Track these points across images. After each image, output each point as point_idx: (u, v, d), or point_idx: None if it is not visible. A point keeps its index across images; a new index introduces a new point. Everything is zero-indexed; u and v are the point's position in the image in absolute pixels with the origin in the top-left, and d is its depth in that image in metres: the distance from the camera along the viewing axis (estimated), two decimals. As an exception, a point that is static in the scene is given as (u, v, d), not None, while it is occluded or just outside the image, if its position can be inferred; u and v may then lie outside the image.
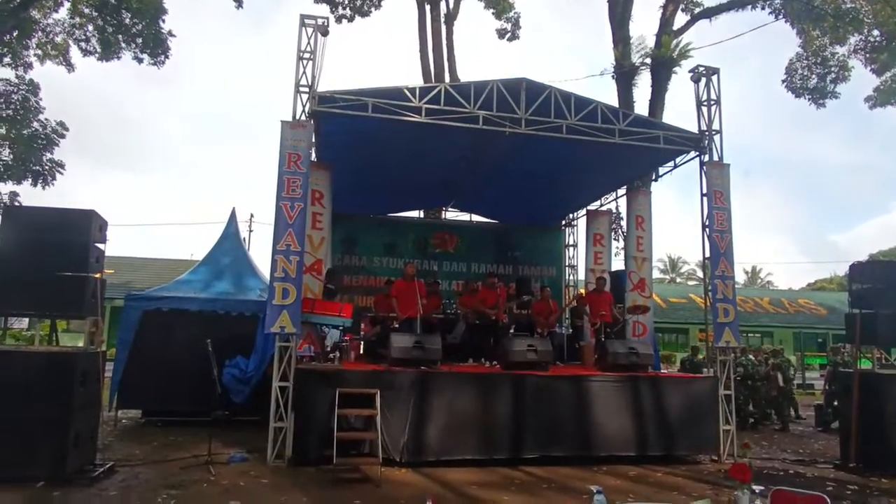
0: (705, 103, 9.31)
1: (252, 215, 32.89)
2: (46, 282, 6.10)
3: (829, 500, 3.08)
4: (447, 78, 16.73)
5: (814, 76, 18.30)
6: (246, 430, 8.65)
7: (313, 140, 8.44)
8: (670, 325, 28.13)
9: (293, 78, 7.98)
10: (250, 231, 32.23)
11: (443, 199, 14.38)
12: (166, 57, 17.39)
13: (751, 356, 12.79)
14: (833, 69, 18.05)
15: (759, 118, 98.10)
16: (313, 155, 8.95)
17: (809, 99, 18.55)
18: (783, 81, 18.81)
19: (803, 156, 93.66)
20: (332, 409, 6.90)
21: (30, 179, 15.57)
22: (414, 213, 14.88)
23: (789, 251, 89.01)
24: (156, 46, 17.02)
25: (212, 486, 6.10)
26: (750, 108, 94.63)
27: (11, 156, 15.42)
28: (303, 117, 7.98)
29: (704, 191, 9.11)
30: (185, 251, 77.86)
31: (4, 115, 15.67)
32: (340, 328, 8.98)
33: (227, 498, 5.66)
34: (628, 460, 7.82)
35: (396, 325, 9.02)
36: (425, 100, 8.26)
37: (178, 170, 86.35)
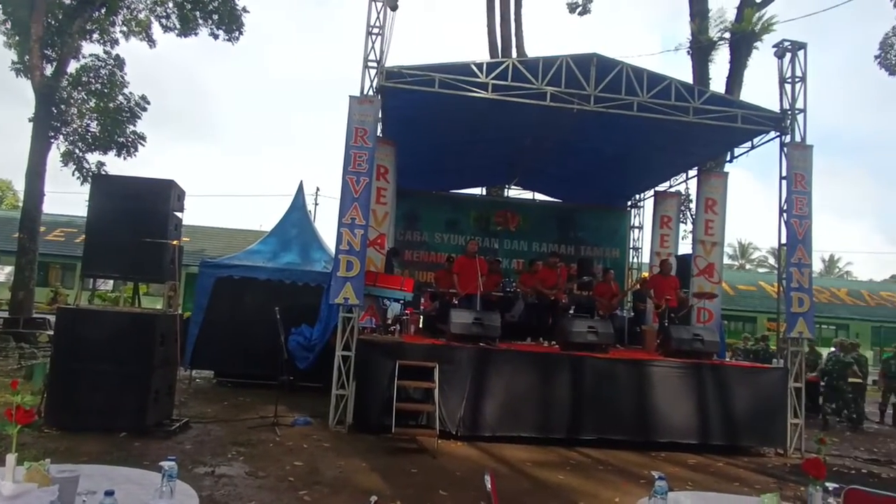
0: (789, 80, 8.79)
1: (318, 189, 33.77)
2: (130, 247, 6.49)
3: (906, 501, 2.93)
4: (514, 53, 16.44)
5: (912, 52, 16.92)
6: (309, 395, 8.97)
7: (380, 115, 8.52)
8: (738, 312, 27.09)
9: (362, 53, 8.06)
10: (316, 204, 33.00)
11: (506, 176, 14.26)
12: (240, 33, 17.83)
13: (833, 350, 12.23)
14: (934, 44, 16.64)
15: (846, 97, 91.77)
16: (379, 130, 9.06)
17: (905, 76, 17.18)
18: (876, 58, 17.49)
19: (892, 137, 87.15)
20: (391, 380, 7.08)
21: (115, 150, 16.44)
22: (476, 190, 14.85)
23: (873, 240, 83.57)
24: (231, 22, 17.47)
25: (277, 445, 6.40)
26: (837, 85, 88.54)
27: (99, 127, 16.30)
28: (370, 92, 8.06)
29: (784, 173, 8.65)
30: (255, 222, 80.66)
31: (94, 88, 16.55)
32: (401, 302, 9.13)
33: (290, 458, 5.93)
34: (688, 448, 7.66)
35: (456, 301, 9.10)
36: (492, 75, 8.17)
37: (248, 142, 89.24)
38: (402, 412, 7.02)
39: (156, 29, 17.99)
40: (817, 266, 47.60)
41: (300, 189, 12.32)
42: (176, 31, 17.66)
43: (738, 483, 6.35)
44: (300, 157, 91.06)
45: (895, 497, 3.06)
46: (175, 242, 6.86)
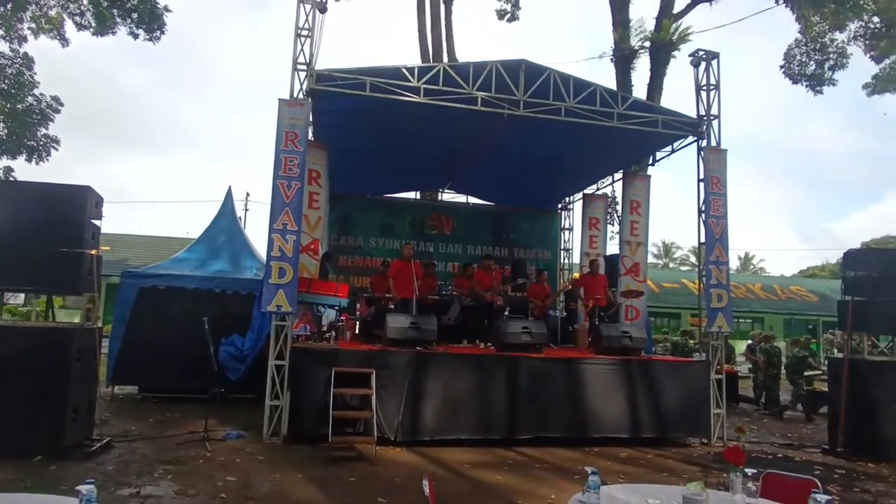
0: (704, 88, 9.28)
1: (248, 194, 32.85)
2: (43, 258, 6.08)
3: (818, 483, 3.14)
4: (446, 59, 16.60)
5: (812, 62, 18.21)
6: (241, 407, 8.72)
7: (311, 119, 8.40)
8: (663, 309, 28.30)
9: (291, 55, 7.91)
10: (246, 210, 32.16)
11: (440, 180, 14.35)
12: (162, 32, 17.16)
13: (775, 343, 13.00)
14: (832, 56, 17.95)
15: (758, 103, 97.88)
16: (310, 134, 8.92)
17: (807, 85, 18.48)
18: (781, 67, 18.75)
19: (801, 142, 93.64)
20: (327, 388, 6.97)
21: (24, 155, 15.42)
22: (411, 194, 14.86)
23: (783, 238, 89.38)
24: (151, 21, 16.79)
25: (207, 461, 6.16)
26: (749, 93, 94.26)
27: (6, 130, 15.25)
28: (300, 95, 7.92)
29: (701, 176, 9.12)
30: (181, 229, 77.50)
31: (-1, 88, 15.51)
32: (336, 308, 9.01)
33: (222, 474, 5.72)
34: (620, 442, 7.93)
35: (392, 306, 9.06)
36: (424, 80, 8.21)
37: (174, 147, 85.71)
38: (339, 420, 6.92)
39: (69, 27, 17.06)
40: (734, 263, 50.41)
41: (229, 194, 11.98)
42: (92, 30, 16.80)
43: (666, 473, 6.62)
44: (229, 162, 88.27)
45: (808, 479, 3.29)
46: (93, 252, 6.50)
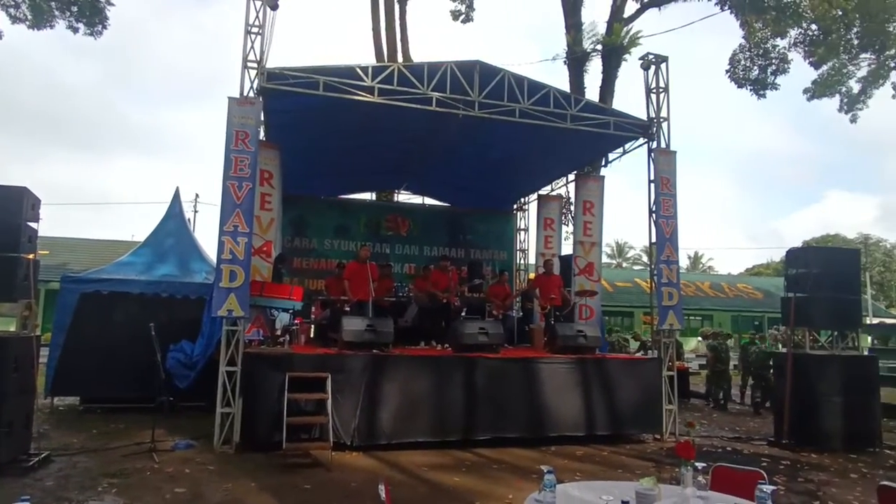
0: (654, 91, 9.49)
1: (197, 195, 31.72)
2: (-27, 263, 5.75)
3: (765, 475, 3.23)
4: (400, 59, 16.49)
5: (755, 67, 18.84)
6: (191, 416, 8.45)
7: (262, 118, 8.21)
8: (616, 308, 28.91)
9: (241, 53, 7.72)
10: (196, 212, 31.19)
11: (395, 181, 14.26)
12: (104, 27, 16.48)
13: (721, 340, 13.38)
14: (774, 61, 18.64)
15: (708, 106, 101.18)
16: (262, 134, 8.72)
17: (751, 89, 19.13)
18: (727, 72, 19.35)
19: (749, 144, 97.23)
20: (281, 394, 6.81)
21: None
22: (366, 196, 14.72)
23: (731, 237, 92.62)
24: (92, 15, 16.11)
25: (155, 473, 5.93)
26: (699, 96, 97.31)
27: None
28: (251, 94, 7.73)
29: (652, 177, 9.32)
30: (126, 232, 74.86)
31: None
32: (290, 311, 8.83)
33: (171, 485, 5.51)
34: (577, 440, 8.02)
35: (348, 309, 8.94)
36: (378, 79, 8.13)
37: (117, 147, 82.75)
38: (294, 426, 6.77)
39: (2, 19, 16.21)
40: (684, 262, 52.03)
41: (176, 196, 11.60)
42: (27, 23, 15.99)
43: (621, 469, 6.73)
44: (177, 162, 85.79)
45: (754, 470, 3.39)
46: (30, 256, 6.18)
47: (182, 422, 8.04)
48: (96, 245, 26.80)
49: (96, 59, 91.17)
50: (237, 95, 7.63)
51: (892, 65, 18.71)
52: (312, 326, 10.70)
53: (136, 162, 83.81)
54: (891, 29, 17.13)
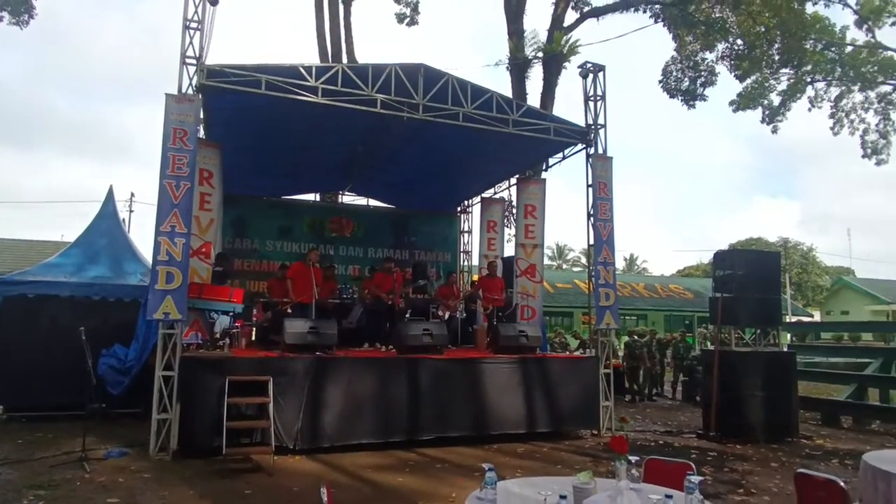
0: (592, 98, 9.82)
1: (133, 194, 30.56)
2: None
3: (693, 466, 3.43)
4: (345, 60, 16.37)
5: (686, 79, 19.75)
6: (125, 423, 8.19)
7: (201, 116, 8.02)
8: (557, 308, 29.59)
9: (179, 49, 7.51)
10: (131, 212, 29.97)
11: (339, 182, 14.14)
12: (31, 17, 15.64)
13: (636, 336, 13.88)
14: (703, 73, 19.58)
15: (644, 113, 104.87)
16: (202, 132, 8.52)
17: (682, 100, 20.03)
18: (660, 82, 20.18)
19: (682, 150, 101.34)
20: (221, 398, 6.67)
21: None
22: (310, 197, 14.53)
23: (665, 239, 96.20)
24: (18, 4, 15.25)
25: (86, 483, 5.70)
26: (636, 103, 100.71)
27: None
28: (190, 91, 7.54)
29: (590, 182, 9.64)
30: (55, 232, 70.92)
31: None
32: (230, 314, 8.65)
33: (103, 495, 5.32)
34: (518, 438, 8.21)
35: (290, 311, 8.83)
36: (322, 80, 8.08)
37: (45, 143, 78.27)
38: (234, 431, 6.67)
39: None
40: (620, 264, 53.64)
41: (110, 194, 11.13)
42: (-57, 10, 14.98)
43: (560, 465, 6.94)
44: (111, 160, 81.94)
45: (684, 462, 3.59)
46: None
47: (116, 429, 7.76)
48: (21, 245, 25.29)
49: (24, 52, 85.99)
50: (175, 92, 7.43)
51: (809, 79, 20.00)
52: (254, 329, 10.49)
53: (67, 159, 79.56)
54: (807, 46, 18.27)
